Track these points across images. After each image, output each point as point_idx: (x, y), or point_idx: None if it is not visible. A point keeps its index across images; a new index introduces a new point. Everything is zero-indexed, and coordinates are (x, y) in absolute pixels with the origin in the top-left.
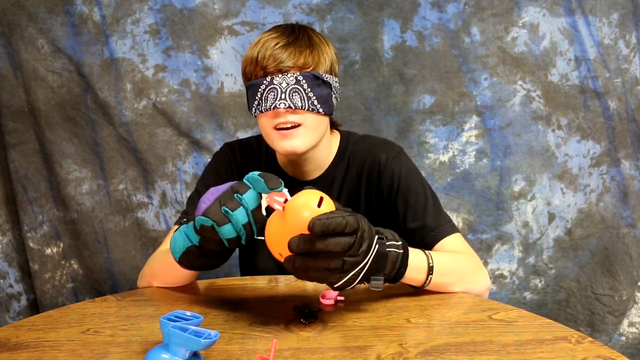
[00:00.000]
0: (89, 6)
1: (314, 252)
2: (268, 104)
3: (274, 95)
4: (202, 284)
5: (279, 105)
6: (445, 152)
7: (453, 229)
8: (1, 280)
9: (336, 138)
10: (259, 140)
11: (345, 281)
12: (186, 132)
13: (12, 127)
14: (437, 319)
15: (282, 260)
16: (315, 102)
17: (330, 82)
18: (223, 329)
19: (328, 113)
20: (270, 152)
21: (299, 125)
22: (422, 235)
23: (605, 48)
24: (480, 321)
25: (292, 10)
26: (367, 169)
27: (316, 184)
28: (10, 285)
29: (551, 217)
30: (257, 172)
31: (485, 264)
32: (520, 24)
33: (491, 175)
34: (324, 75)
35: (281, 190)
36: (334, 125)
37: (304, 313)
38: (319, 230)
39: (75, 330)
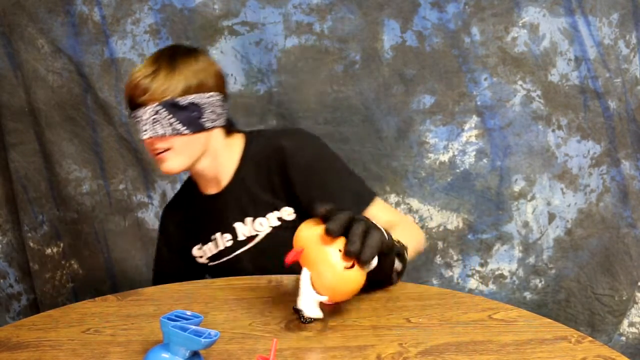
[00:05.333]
0: (89, 6)
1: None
2: (140, 135)
3: (140, 126)
4: (201, 283)
5: (144, 136)
6: (445, 152)
7: (371, 196)
8: (1, 280)
9: (238, 141)
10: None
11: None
12: None
13: (12, 127)
14: (437, 319)
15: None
16: (178, 126)
17: (198, 101)
18: (223, 328)
19: (196, 131)
20: (190, 179)
21: (169, 148)
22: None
23: (605, 48)
24: (480, 321)
25: (292, 10)
26: (275, 160)
27: (228, 190)
28: (10, 285)
29: (551, 217)
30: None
31: (485, 264)
32: (520, 24)
33: (491, 175)
34: (181, 100)
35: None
36: (232, 130)
37: (298, 304)
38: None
39: (75, 329)
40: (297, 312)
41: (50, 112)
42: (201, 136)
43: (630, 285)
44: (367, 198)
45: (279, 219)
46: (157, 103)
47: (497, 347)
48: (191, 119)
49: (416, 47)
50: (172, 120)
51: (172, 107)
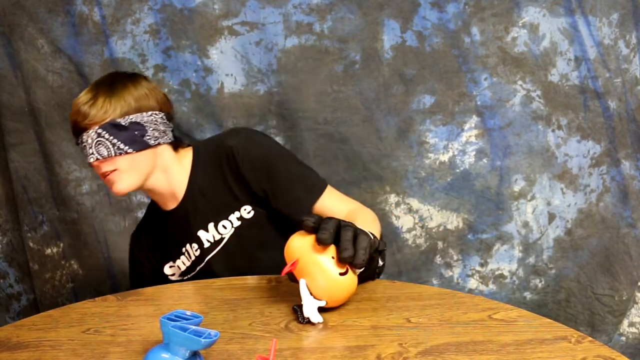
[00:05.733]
0: (89, 6)
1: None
2: (86, 159)
3: (85, 150)
4: (202, 283)
5: (89, 160)
6: (445, 152)
7: (323, 184)
8: (1, 280)
9: (188, 154)
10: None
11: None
12: (186, 132)
13: (12, 127)
14: (437, 319)
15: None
16: (122, 146)
17: (139, 120)
18: (223, 328)
19: (141, 149)
20: (152, 202)
21: (115, 169)
22: (297, 205)
23: (605, 48)
24: (480, 321)
25: (292, 10)
26: (225, 161)
27: (186, 201)
28: (10, 285)
29: (551, 217)
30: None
31: (485, 264)
32: (520, 24)
33: (491, 175)
34: (122, 120)
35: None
36: (181, 145)
37: (303, 313)
38: (315, 225)
39: (75, 329)
40: (296, 312)
41: (50, 112)
42: (146, 153)
43: (630, 285)
44: (319, 187)
45: (239, 218)
46: (98, 126)
47: (497, 347)
48: (134, 137)
49: (416, 47)
50: (115, 141)
51: (114, 128)
